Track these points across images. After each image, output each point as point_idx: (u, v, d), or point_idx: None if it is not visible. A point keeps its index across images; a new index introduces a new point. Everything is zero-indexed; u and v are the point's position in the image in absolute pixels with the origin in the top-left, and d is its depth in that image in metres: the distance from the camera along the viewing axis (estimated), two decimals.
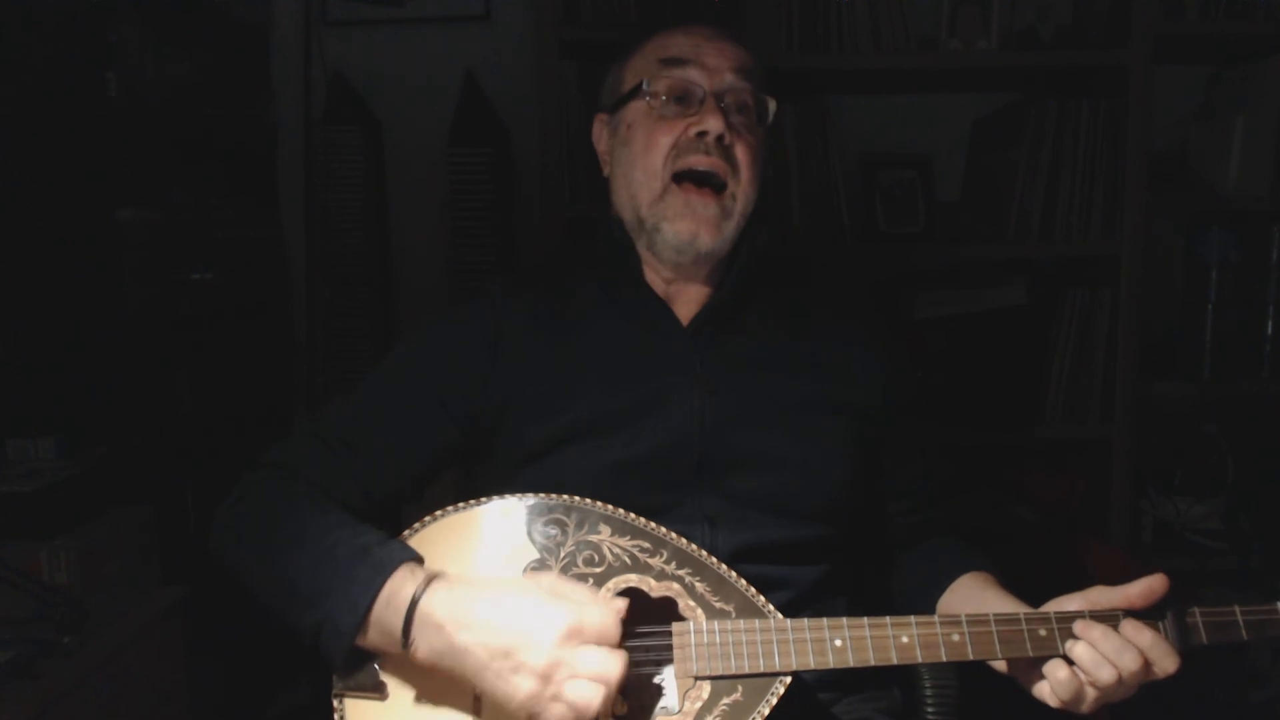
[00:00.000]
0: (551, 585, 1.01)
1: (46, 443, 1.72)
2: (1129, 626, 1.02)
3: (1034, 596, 1.13)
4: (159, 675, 1.74)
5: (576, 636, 0.96)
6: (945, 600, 1.22)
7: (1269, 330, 2.22)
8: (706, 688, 1.03)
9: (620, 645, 0.99)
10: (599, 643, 0.97)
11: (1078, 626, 1.03)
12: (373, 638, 1.01)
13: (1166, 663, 1.01)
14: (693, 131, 1.18)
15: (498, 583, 1.03)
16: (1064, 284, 2.25)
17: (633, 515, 1.09)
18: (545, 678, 0.95)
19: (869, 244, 2.31)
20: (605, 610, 0.98)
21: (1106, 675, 1.00)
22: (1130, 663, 1.00)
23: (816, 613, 1.19)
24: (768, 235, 1.26)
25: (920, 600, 1.25)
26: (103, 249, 1.91)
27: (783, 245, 1.29)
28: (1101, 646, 1.00)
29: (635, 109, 1.23)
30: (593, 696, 0.94)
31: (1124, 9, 2.12)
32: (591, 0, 2.16)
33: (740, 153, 1.20)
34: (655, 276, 1.24)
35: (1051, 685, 1.02)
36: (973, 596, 1.19)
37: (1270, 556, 2.22)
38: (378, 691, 1.04)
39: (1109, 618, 1.03)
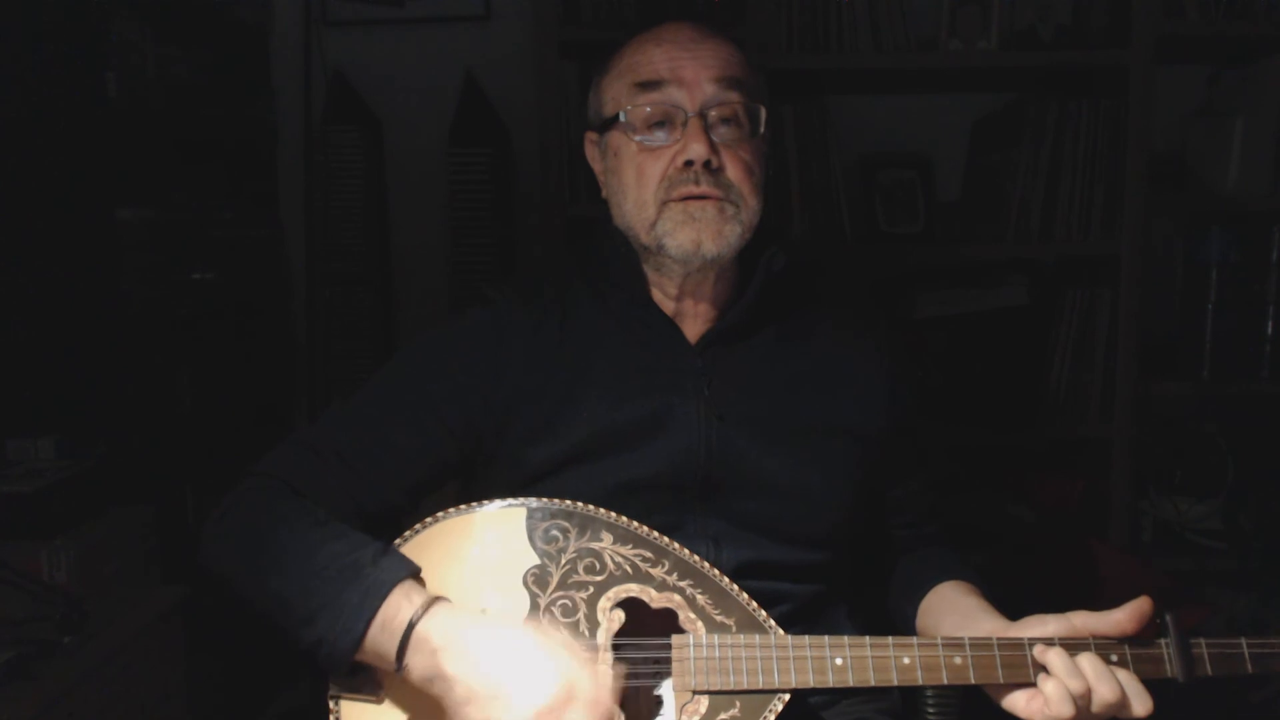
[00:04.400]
0: (556, 638, 0.99)
1: (46, 443, 1.72)
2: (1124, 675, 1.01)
3: (1038, 597, 1.13)
4: (159, 675, 1.74)
5: (567, 700, 0.94)
6: (924, 606, 1.21)
7: (1269, 330, 2.22)
8: (704, 702, 1.02)
9: (616, 665, 1.00)
10: (589, 712, 0.95)
11: (1082, 660, 1.00)
12: (368, 657, 1.00)
13: (1139, 708, 1.00)
14: (679, 161, 1.12)
15: (502, 620, 1.01)
16: (1064, 284, 2.25)
17: (635, 524, 1.07)
18: None
19: (869, 244, 2.31)
20: (603, 680, 0.97)
21: (1067, 710, 0.98)
22: (1108, 693, 0.99)
23: (816, 623, 1.19)
24: (785, 261, 1.20)
25: (903, 605, 1.24)
26: (103, 249, 1.91)
27: (788, 251, 1.24)
28: (1099, 689, 0.99)
29: (618, 137, 1.17)
30: None
31: (1124, 9, 2.12)
32: (591, 0, 2.16)
33: (733, 173, 1.14)
34: (662, 295, 1.20)
35: (1046, 696, 1.00)
36: (950, 600, 1.18)
37: (1270, 556, 2.22)
38: (374, 694, 1.03)
39: (1116, 647, 1.02)
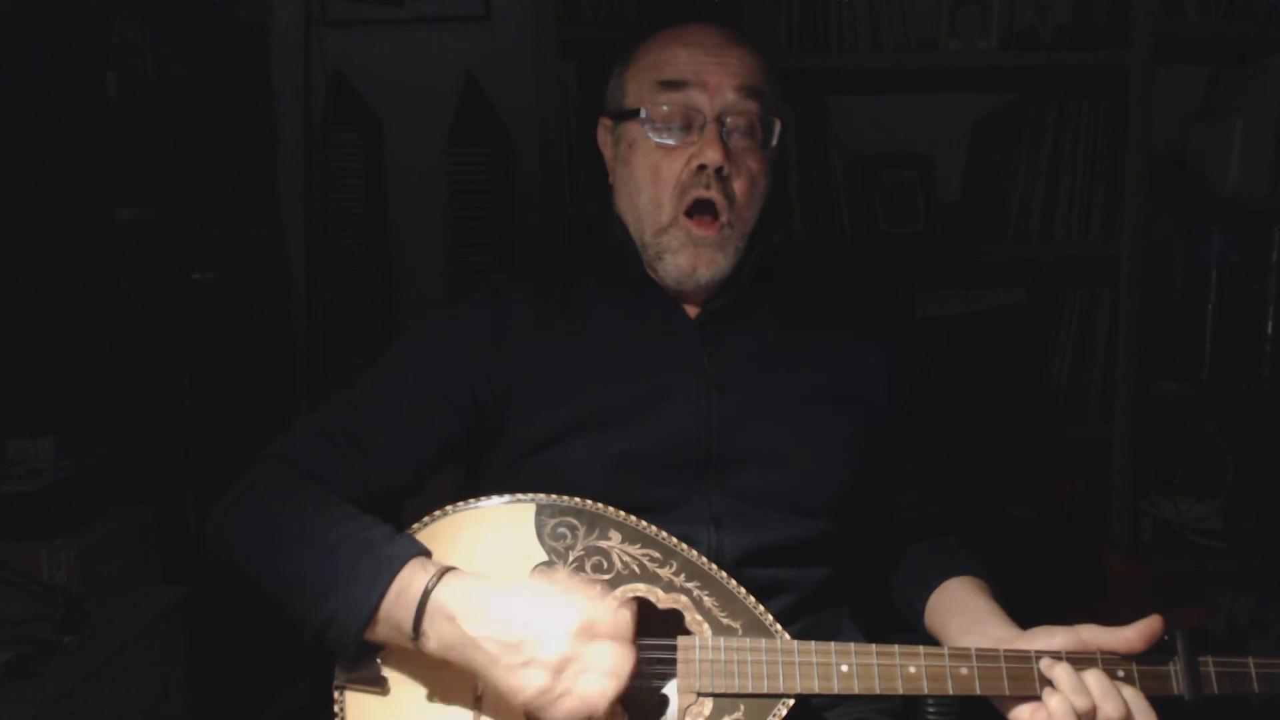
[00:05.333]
0: (564, 582, 1.00)
1: (46, 443, 1.72)
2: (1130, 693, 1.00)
3: (1038, 598, 1.12)
4: (159, 675, 1.74)
5: (589, 632, 0.96)
6: (932, 603, 1.21)
7: (1269, 330, 2.22)
8: (708, 705, 1.02)
9: (629, 604, 1.00)
10: (611, 639, 0.97)
11: (1088, 676, 1.00)
12: (381, 631, 1.01)
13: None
14: (694, 164, 1.15)
15: (511, 578, 1.03)
16: (1064, 284, 2.25)
17: (644, 523, 1.08)
18: (557, 671, 0.94)
19: (869, 244, 2.31)
20: (617, 608, 0.99)
21: None
22: (1113, 711, 0.98)
23: (821, 616, 1.19)
24: (782, 236, 1.24)
25: (911, 598, 1.24)
26: (103, 249, 1.91)
27: (789, 245, 1.27)
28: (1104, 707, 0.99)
29: (635, 130, 1.19)
30: (605, 690, 0.95)
31: (1124, 9, 2.12)
32: (591, 0, 2.16)
33: (739, 185, 1.17)
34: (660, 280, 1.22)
35: (1050, 711, 1.00)
36: (959, 600, 1.18)
37: (1270, 556, 2.22)
38: (379, 686, 1.03)
39: (1123, 663, 1.02)
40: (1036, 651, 1.02)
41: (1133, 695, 1.00)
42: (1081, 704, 0.98)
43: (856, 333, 1.26)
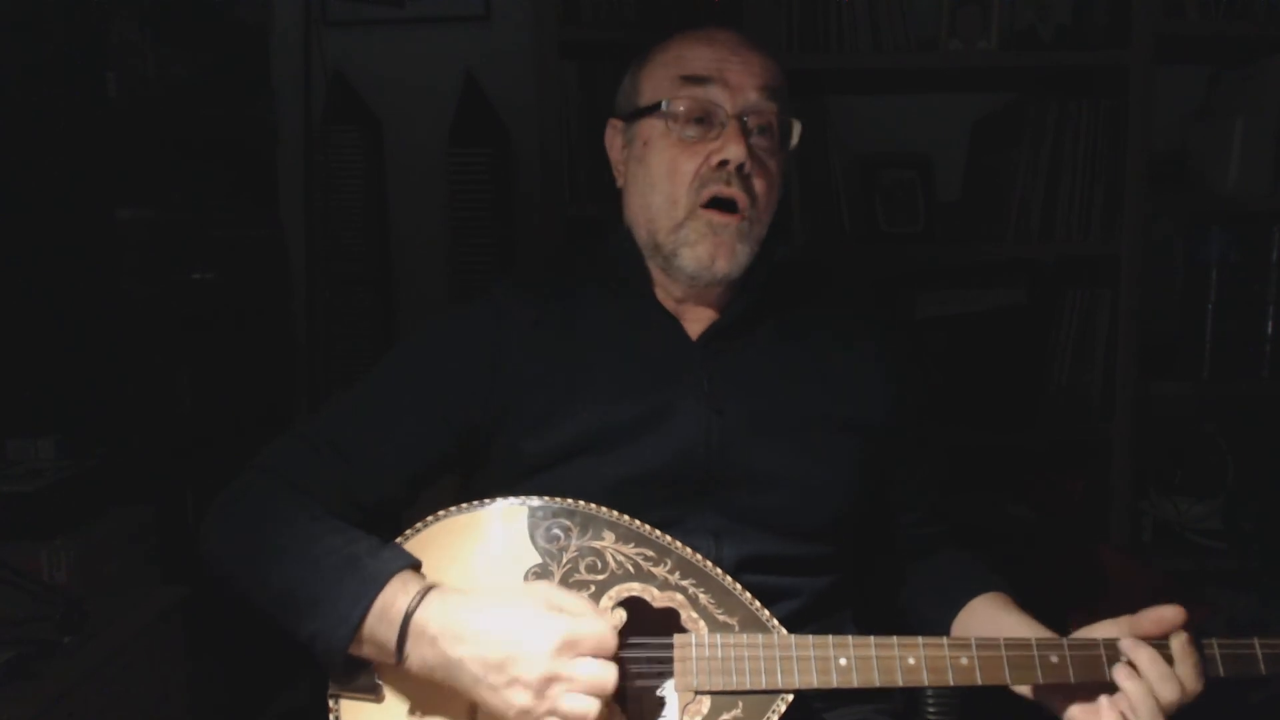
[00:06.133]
0: (548, 596, 1.00)
1: (46, 443, 1.72)
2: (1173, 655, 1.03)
3: (1038, 598, 1.12)
4: (159, 675, 1.74)
5: (571, 649, 0.95)
6: (961, 621, 1.21)
7: (1269, 330, 2.22)
8: (706, 702, 1.02)
9: (619, 656, 0.99)
10: (595, 654, 0.96)
11: (1125, 644, 1.02)
12: (367, 650, 1.01)
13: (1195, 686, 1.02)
14: (715, 160, 1.13)
15: (494, 593, 1.02)
16: (1064, 284, 2.25)
17: (637, 522, 1.07)
18: (539, 692, 0.94)
19: (869, 244, 2.31)
20: (601, 622, 0.98)
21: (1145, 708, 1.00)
22: (1169, 693, 1.00)
23: (822, 623, 1.18)
24: (783, 252, 1.23)
25: (933, 620, 1.23)
26: (103, 249, 1.91)
27: (787, 249, 1.26)
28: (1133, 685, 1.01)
29: (652, 126, 1.17)
30: (588, 709, 0.94)
31: (1124, 9, 2.12)
32: (591, 0, 2.16)
33: (759, 184, 1.16)
34: (665, 294, 1.21)
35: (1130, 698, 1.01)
36: (991, 620, 1.17)
37: (1270, 556, 2.22)
38: (374, 694, 1.03)
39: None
40: (1038, 639, 1.03)
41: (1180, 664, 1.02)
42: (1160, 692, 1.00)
43: (859, 351, 1.24)
